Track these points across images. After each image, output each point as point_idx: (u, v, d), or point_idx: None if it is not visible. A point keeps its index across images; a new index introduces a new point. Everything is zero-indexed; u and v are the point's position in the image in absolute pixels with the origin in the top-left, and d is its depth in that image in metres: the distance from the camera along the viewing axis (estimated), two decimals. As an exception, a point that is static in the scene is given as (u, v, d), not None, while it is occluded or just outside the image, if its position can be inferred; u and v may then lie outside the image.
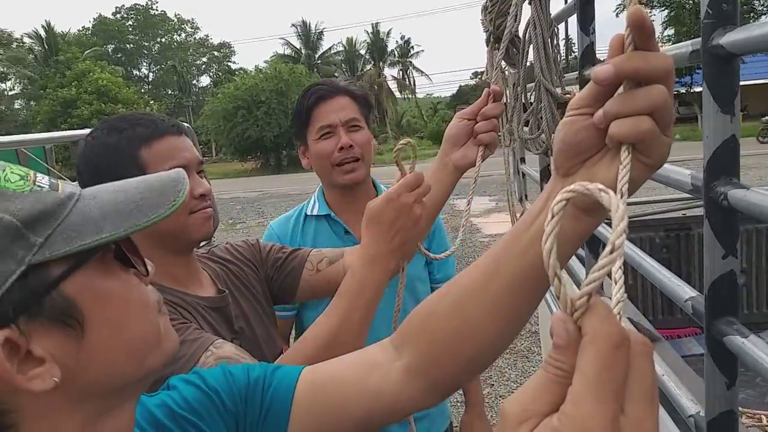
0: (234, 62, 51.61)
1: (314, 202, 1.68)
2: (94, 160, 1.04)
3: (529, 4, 1.24)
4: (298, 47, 46.09)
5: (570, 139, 0.52)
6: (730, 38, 0.66)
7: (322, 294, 1.24)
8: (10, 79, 37.96)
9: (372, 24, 47.83)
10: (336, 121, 1.51)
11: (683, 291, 0.86)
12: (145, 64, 52.59)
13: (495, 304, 0.61)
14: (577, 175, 0.54)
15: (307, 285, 1.22)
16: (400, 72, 48.62)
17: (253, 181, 21.95)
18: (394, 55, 48.33)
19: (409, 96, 49.70)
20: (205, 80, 51.32)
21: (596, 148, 0.52)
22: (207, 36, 52.45)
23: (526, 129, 1.34)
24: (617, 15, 24.02)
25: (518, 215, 2.37)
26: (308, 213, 1.66)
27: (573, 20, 1.47)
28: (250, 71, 37.54)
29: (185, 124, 1.20)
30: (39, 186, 0.52)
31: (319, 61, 45.42)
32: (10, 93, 39.39)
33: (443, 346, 0.65)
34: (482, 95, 1.06)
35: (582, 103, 0.51)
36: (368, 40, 47.72)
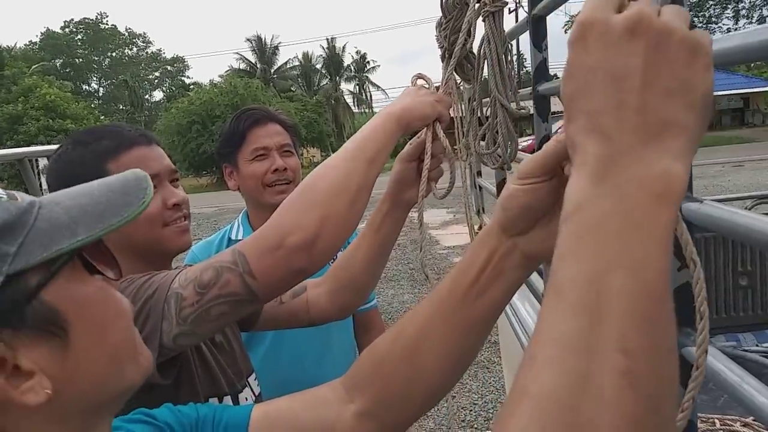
0: (188, 77, 51.03)
1: (238, 226, 1.68)
2: (61, 176, 1.01)
3: (483, 20, 1.26)
4: (253, 62, 45.82)
5: (534, 204, 0.54)
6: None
7: (284, 325, 1.22)
8: (-50, 95, 36.53)
9: (327, 39, 47.97)
10: (271, 145, 1.57)
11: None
12: (95, 78, 51.44)
13: (445, 349, 0.63)
14: (533, 232, 0.56)
15: (269, 316, 1.18)
16: (357, 87, 48.89)
17: (209, 197, 21.58)
18: (351, 70, 48.59)
19: (366, 110, 49.95)
20: (158, 95, 50.55)
21: (549, 209, 0.55)
22: (160, 50, 51.60)
23: (482, 143, 1.35)
24: (566, 31, 24.80)
25: (476, 227, 2.40)
26: (232, 237, 1.67)
27: (525, 37, 1.51)
28: (205, 86, 37.13)
29: None
30: None
31: (274, 76, 45.23)
32: (-49, 110, 37.91)
33: (395, 391, 0.66)
34: (421, 133, 1.08)
35: (537, 173, 0.53)
36: (324, 55, 47.86)
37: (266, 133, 1.57)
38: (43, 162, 4.17)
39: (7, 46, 41.21)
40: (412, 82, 1.15)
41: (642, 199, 0.36)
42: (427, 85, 1.12)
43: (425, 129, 1.06)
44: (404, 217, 1.11)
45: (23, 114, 29.33)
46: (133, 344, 0.57)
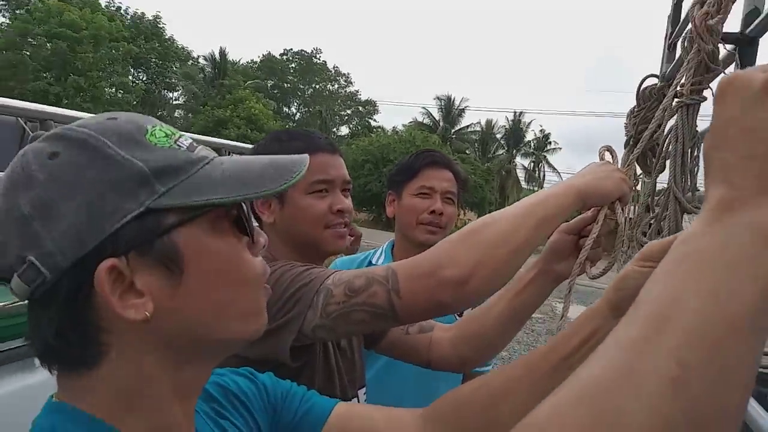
0: (375, 120, 54.02)
1: (381, 253, 1.77)
2: None
3: (678, 111, 1.23)
4: (437, 118, 47.48)
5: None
6: None
7: (398, 356, 1.25)
8: (178, 90, 42.13)
9: (515, 112, 48.35)
10: (438, 187, 1.66)
11: None
12: (295, 104, 56.38)
13: (525, 407, 0.63)
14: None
15: (391, 341, 1.22)
16: (532, 164, 48.46)
17: (364, 231, 22.43)
18: (530, 146, 48.37)
19: (535, 188, 49.17)
20: (344, 130, 54.04)
21: None
22: (357, 91, 55.33)
23: (644, 237, 1.30)
24: None
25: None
26: (373, 261, 1.75)
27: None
28: (387, 131, 39.10)
29: None
30: (178, 145, 0.57)
31: (453, 136, 46.38)
32: (174, 102, 43.67)
33: None
34: (589, 210, 1.06)
35: (661, 257, 0.54)
36: (507, 126, 48.20)
37: (437, 175, 1.67)
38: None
39: (233, 60, 46.78)
40: (600, 154, 1.14)
41: (747, 239, 0.37)
42: (611, 161, 1.10)
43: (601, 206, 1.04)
44: (548, 289, 1.10)
45: (229, 120, 33.11)
46: (248, 306, 0.60)
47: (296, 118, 55.44)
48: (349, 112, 56.43)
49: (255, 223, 0.64)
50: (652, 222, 1.27)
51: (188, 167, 0.56)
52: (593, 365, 0.36)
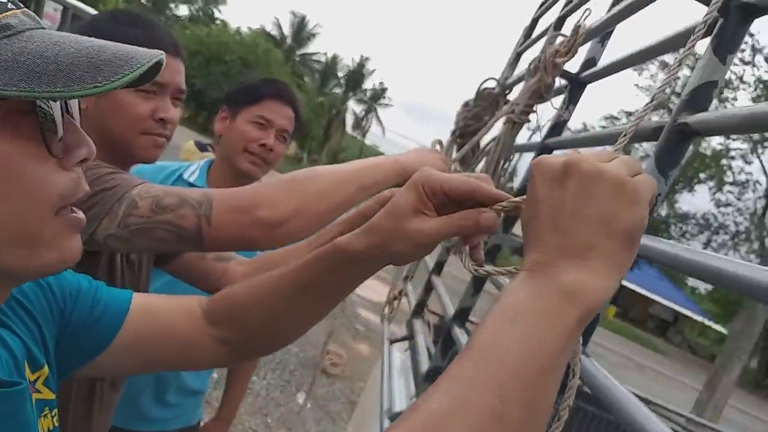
0: (219, 11, 50.23)
1: (196, 170, 1.66)
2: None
3: (504, 123, 1.34)
4: (285, 34, 45.81)
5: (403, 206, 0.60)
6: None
7: (186, 279, 1.21)
8: None
9: (362, 56, 48.49)
10: (276, 122, 1.60)
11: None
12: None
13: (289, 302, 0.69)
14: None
15: (184, 264, 1.18)
16: (363, 111, 49.27)
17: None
18: (366, 93, 49.04)
19: (358, 137, 50.26)
20: (184, 10, 49.54)
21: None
22: (209, -26, 50.79)
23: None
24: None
25: (395, 291, 2.44)
26: (184, 176, 1.64)
27: (528, 156, 1.60)
28: (230, 28, 36.76)
29: None
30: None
31: (297, 58, 45.25)
32: None
33: (254, 330, 0.72)
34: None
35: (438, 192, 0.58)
36: (351, 67, 48.24)
37: (279, 110, 1.60)
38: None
39: None
40: (431, 144, 1.20)
41: (554, 294, 0.44)
42: (439, 150, 1.18)
43: None
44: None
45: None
46: (30, 232, 0.49)
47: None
48: (194, -7, 51.82)
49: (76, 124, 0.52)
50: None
51: None
52: (431, 395, 0.41)
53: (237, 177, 1.59)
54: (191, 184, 1.60)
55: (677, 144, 0.72)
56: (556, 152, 1.39)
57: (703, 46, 0.73)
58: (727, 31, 0.69)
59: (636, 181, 0.45)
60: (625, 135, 0.55)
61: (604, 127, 12.30)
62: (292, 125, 1.65)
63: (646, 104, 0.59)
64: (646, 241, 0.67)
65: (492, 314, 0.45)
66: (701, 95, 0.70)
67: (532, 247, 0.47)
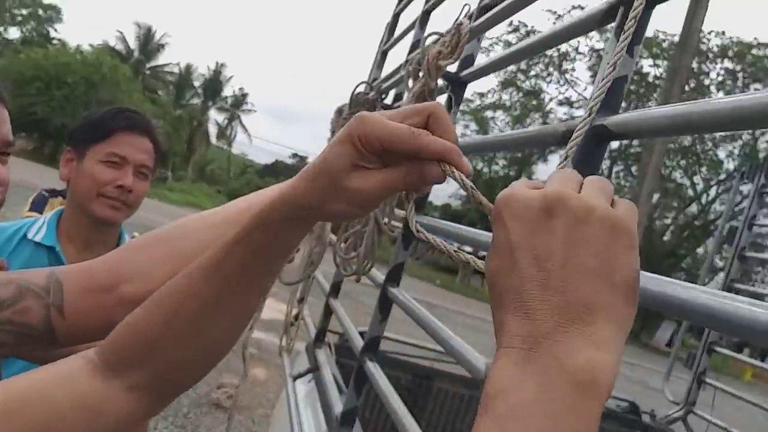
0: (56, 30, 46.29)
1: (43, 226, 1.39)
2: None
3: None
4: (132, 47, 43.13)
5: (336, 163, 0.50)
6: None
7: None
8: None
9: (217, 62, 46.91)
10: (131, 158, 1.37)
11: None
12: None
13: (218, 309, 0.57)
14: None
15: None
16: (225, 120, 47.75)
17: (16, 164, 19.06)
18: (226, 102, 47.56)
19: (225, 147, 48.69)
20: (15, 33, 45.10)
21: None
22: (37, -10, 46.58)
23: (343, 245, 1.30)
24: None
25: (291, 317, 2.29)
26: (29, 236, 1.36)
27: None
28: (70, 48, 34.08)
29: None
30: None
31: (147, 71, 42.80)
32: None
33: (177, 362, 0.58)
34: None
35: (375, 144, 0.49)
36: (207, 76, 46.51)
37: (134, 143, 1.38)
38: None
39: None
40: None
41: (566, 387, 0.33)
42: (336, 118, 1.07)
43: None
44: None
45: None
46: None
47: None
48: (24, 12, 47.36)
49: None
50: (350, 236, 1.27)
51: None
52: None
53: (95, 226, 1.37)
54: (39, 245, 1.35)
55: (595, 148, 0.66)
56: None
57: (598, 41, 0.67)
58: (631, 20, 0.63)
59: (624, 218, 0.37)
60: (566, 157, 0.47)
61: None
62: (152, 158, 1.42)
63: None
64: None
65: (496, 416, 0.34)
66: (614, 93, 0.64)
67: (514, 310, 0.36)
